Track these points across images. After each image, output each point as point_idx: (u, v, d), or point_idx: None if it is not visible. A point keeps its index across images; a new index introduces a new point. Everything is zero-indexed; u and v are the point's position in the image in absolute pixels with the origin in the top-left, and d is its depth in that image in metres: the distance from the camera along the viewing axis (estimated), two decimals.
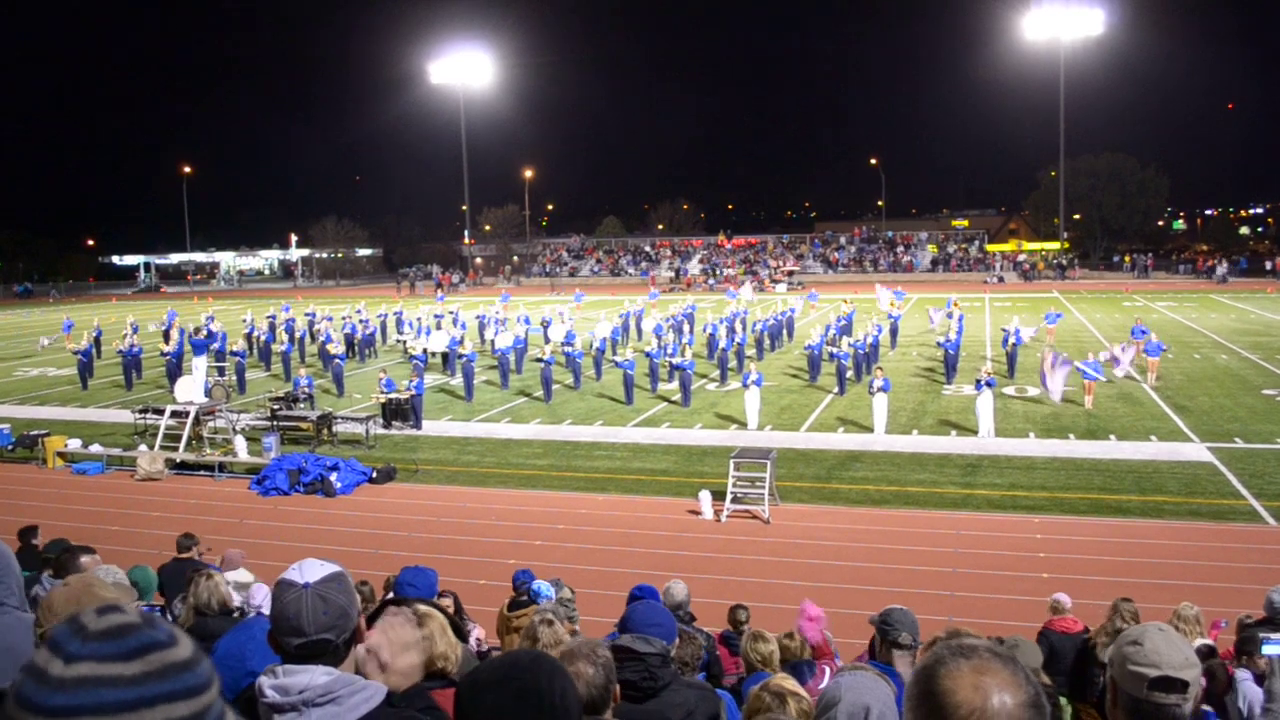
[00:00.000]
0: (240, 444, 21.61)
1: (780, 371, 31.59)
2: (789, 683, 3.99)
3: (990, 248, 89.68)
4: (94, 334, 35.30)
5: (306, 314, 41.80)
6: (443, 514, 17.80)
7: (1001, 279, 77.29)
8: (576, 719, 2.01)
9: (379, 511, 18.04)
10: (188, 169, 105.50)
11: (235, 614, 6.70)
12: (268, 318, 40.67)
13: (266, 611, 5.47)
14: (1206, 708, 5.69)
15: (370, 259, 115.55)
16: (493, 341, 33.32)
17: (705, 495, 17.03)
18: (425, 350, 32.69)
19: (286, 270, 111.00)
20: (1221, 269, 74.61)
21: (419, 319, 40.18)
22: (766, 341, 35.93)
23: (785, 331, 38.97)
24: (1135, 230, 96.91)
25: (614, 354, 33.21)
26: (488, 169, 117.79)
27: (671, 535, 16.11)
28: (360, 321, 38.67)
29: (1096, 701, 7.57)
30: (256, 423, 23.80)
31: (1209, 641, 8.02)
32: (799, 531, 16.10)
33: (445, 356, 33.24)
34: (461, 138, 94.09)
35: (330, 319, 39.71)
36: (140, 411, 24.50)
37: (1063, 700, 6.69)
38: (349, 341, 36.93)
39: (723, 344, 30.98)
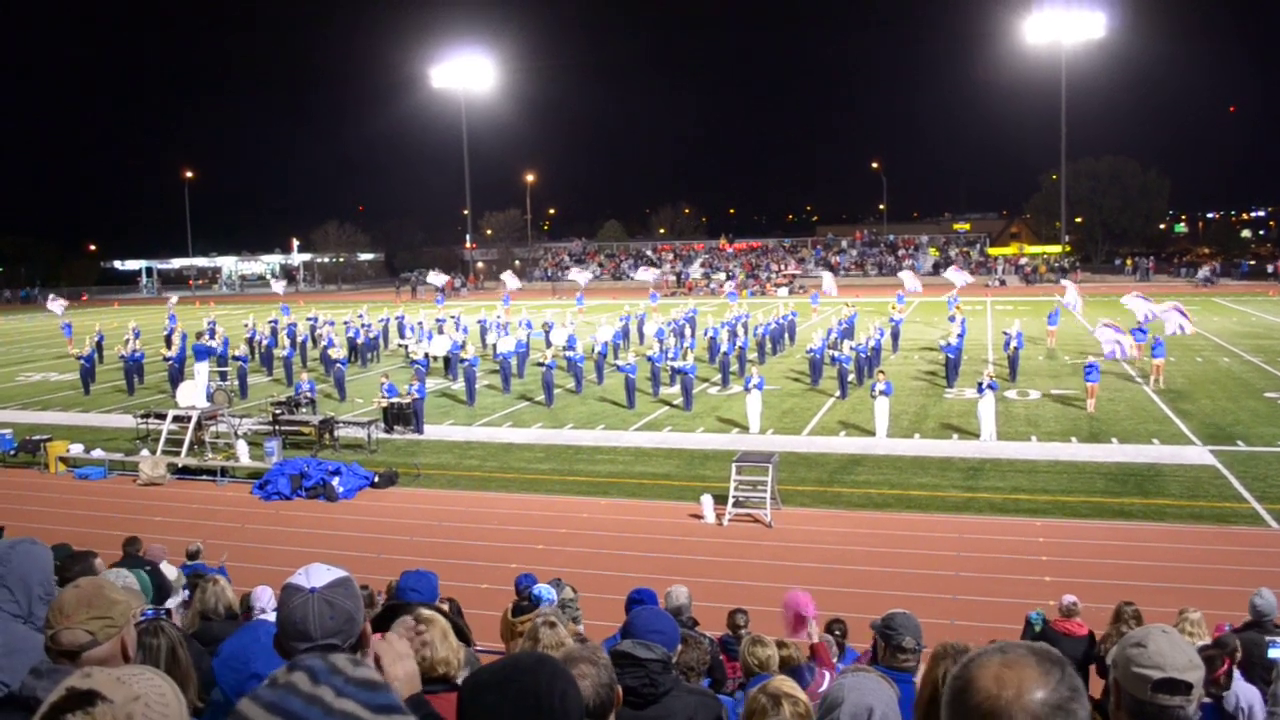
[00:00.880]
0: (242, 449, 21.61)
1: (782, 375, 31.58)
2: (787, 684, 3.98)
3: (992, 251, 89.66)
4: (96, 339, 35.33)
5: (308, 318, 41.82)
6: (444, 518, 17.81)
7: (1003, 282, 77.28)
8: None
9: (381, 516, 18.03)
10: (189, 174, 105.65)
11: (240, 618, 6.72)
12: (269, 322, 40.69)
13: (270, 615, 5.47)
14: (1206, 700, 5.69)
15: (372, 263, 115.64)
16: (494, 346, 33.33)
17: (707, 499, 17.02)
18: (427, 354, 32.70)
19: (288, 275, 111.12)
20: (1204, 271, 74.56)
21: (421, 323, 40.21)
22: (768, 345, 35.92)
23: (787, 335, 38.96)
24: (1137, 233, 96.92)
25: (615, 358, 33.20)
26: (489, 173, 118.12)
27: (673, 539, 16.10)
28: (362, 326, 38.69)
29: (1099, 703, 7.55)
30: (258, 427, 23.79)
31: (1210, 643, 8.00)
32: (801, 535, 16.09)
33: (447, 361, 33.24)
34: (463, 142, 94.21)
35: (332, 323, 39.72)
36: (142, 416, 24.52)
37: None
38: (351, 346, 36.94)
39: (724, 348, 30.97)
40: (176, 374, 30.68)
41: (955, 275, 47.06)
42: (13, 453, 22.92)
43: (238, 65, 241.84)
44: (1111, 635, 8.15)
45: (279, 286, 46.41)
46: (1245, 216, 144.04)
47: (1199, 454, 20.32)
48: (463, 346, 30.72)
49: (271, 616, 3.23)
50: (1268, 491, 17.49)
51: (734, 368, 30.54)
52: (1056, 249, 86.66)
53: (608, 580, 13.50)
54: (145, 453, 22.15)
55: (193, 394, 23.51)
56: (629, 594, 8.08)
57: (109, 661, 2.55)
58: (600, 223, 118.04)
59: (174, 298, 42.34)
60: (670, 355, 29.60)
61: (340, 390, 29.86)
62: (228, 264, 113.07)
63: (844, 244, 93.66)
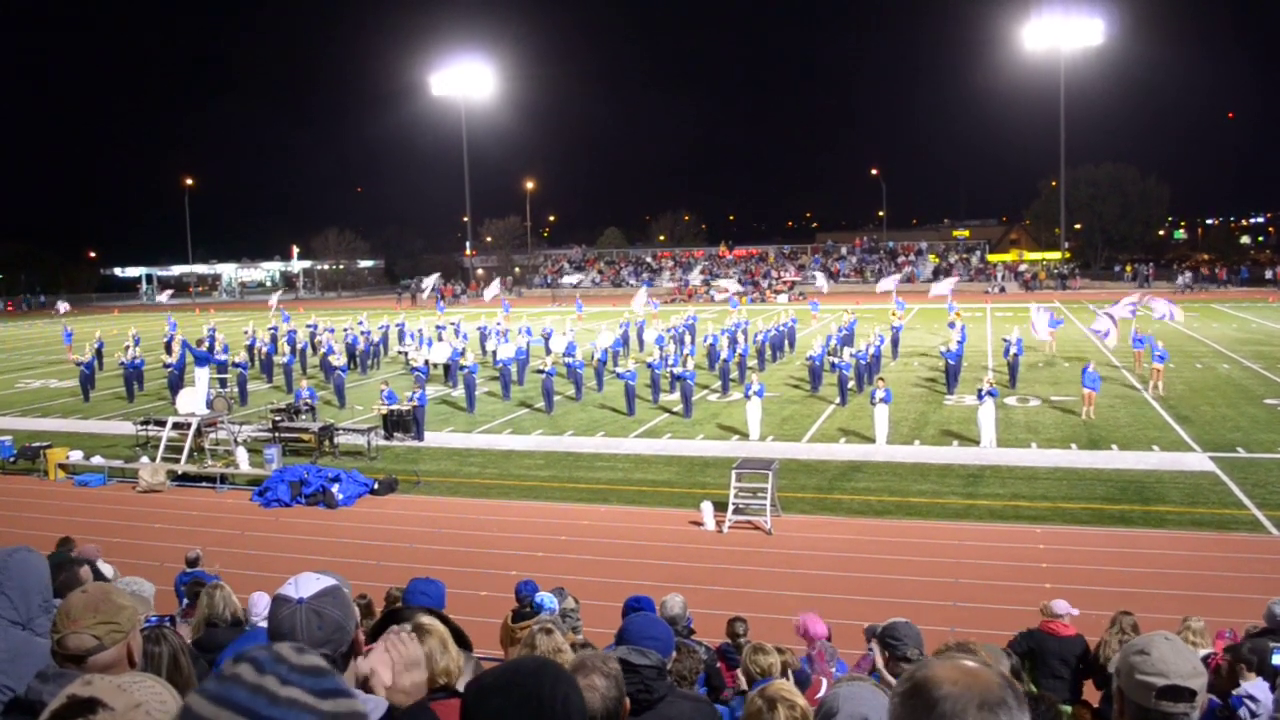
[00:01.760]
0: (242, 455, 21.60)
1: (782, 382, 31.58)
2: (785, 689, 3.97)
3: (991, 257, 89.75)
4: (96, 346, 35.33)
5: (308, 326, 41.83)
6: (444, 525, 17.79)
7: (1003, 289, 77.33)
8: None
9: (381, 523, 18.02)
10: (190, 181, 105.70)
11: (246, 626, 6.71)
12: (269, 329, 40.69)
13: (265, 622, 5.46)
14: (1212, 697, 5.67)
15: (372, 270, 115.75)
16: (494, 353, 33.34)
17: (707, 506, 17.01)
18: (427, 361, 32.71)
19: (288, 282, 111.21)
20: (1183, 278, 74.65)
21: (420, 330, 40.23)
22: (768, 352, 35.93)
23: (787, 342, 38.97)
24: (1136, 240, 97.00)
25: (615, 365, 33.20)
26: (489, 180, 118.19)
27: (673, 546, 16.09)
28: (362, 333, 38.70)
29: (1099, 710, 7.55)
30: (258, 434, 23.79)
31: (1212, 651, 7.99)
32: (801, 542, 16.07)
33: (447, 368, 33.25)
34: (463, 149, 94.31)
35: (332, 330, 39.73)
36: (142, 423, 24.53)
37: (1064, 708, 6.67)
38: (351, 353, 36.94)
39: (724, 355, 30.98)
40: (176, 381, 30.69)
41: (937, 287, 46.86)
42: (12, 460, 22.91)
43: (238, 73, 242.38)
44: (1109, 642, 8.14)
45: (274, 301, 46.23)
46: (1245, 223, 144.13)
47: (1199, 461, 20.31)
48: (463, 353, 30.73)
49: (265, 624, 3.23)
50: (1268, 498, 17.48)
51: (734, 374, 30.54)
52: (1056, 255, 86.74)
53: (607, 587, 13.48)
54: (145, 460, 22.14)
55: (193, 401, 23.49)
56: (626, 601, 8.06)
57: (115, 667, 2.55)
58: (600, 230, 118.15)
59: (164, 296, 42.13)
60: (670, 362, 29.61)
61: (340, 397, 29.86)
62: (228, 271, 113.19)
63: (843, 250, 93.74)
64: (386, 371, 35.94)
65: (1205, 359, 34.60)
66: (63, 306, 44.27)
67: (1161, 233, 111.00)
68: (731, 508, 16.83)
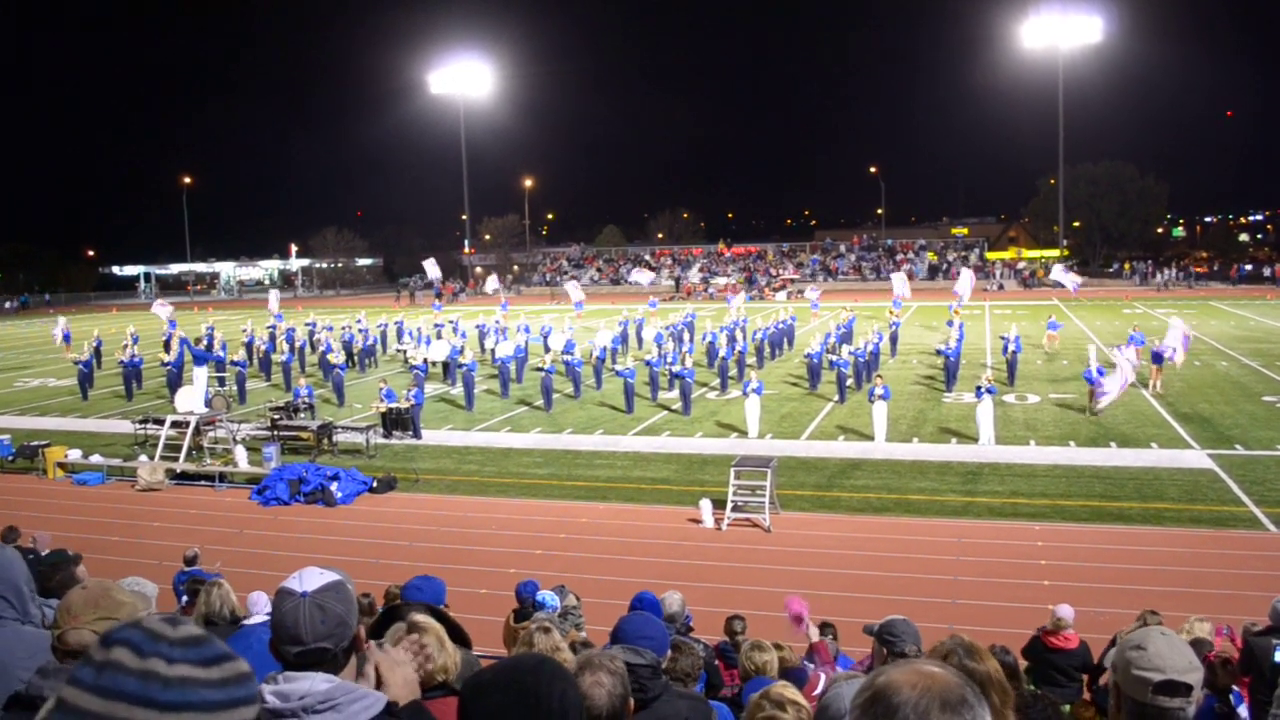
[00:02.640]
0: (241, 454, 21.59)
1: (780, 380, 31.59)
2: (789, 690, 3.98)
3: (990, 255, 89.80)
4: (94, 344, 35.31)
5: (307, 324, 41.81)
6: (443, 523, 17.80)
7: (1001, 286, 77.37)
8: None
9: (379, 521, 18.02)
10: (188, 179, 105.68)
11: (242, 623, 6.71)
12: (268, 328, 40.68)
13: (266, 619, 5.47)
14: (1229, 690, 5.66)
15: (370, 269, 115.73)
16: (493, 351, 33.34)
17: (706, 504, 17.02)
18: (425, 360, 32.72)
19: (287, 280, 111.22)
20: (1162, 276, 74.69)
21: (419, 329, 40.23)
22: (767, 350, 35.94)
23: (785, 340, 38.98)
24: (1135, 238, 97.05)
25: (614, 363, 33.21)
26: (488, 178, 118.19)
27: (672, 544, 16.10)
28: (360, 331, 38.69)
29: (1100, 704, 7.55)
30: (257, 433, 23.78)
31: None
32: (800, 540, 16.09)
33: (445, 366, 33.25)
34: (461, 147, 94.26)
35: (330, 329, 39.73)
36: (141, 422, 24.51)
37: (1066, 709, 6.68)
38: (349, 351, 36.93)
39: (723, 352, 30.99)
40: (175, 379, 30.68)
41: (899, 284, 45.20)
42: (11, 458, 22.90)
43: (236, 71, 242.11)
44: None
45: (273, 303, 46.05)
46: (1243, 221, 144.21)
47: (1197, 458, 20.33)
48: (461, 351, 30.73)
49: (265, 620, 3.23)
50: (1266, 495, 17.50)
51: (733, 372, 30.55)
52: (1055, 253, 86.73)
53: (606, 585, 13.49)
54: (143, 458, 22.13)
55: (191, 399, 23.48)
56: (634, 599, 8.05)
57: None
58: (598, 228, 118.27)
59: (163, 310, 41.78)
60: (669, 360, 29.62)
61: (339, 395, 29.86)
62: (226, 269, 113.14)
63: (842, 248, 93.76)
64: (385, 370, 35.95)
65: (1204, 356, 34.62)
66: (61, 321, 44.05)
67: (1160, 230, 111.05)
68: (730, 505, 16.84)
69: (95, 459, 22.40)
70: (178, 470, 21.37)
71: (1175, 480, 18.77)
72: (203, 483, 21.07)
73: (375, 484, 19.80)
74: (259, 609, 7.12)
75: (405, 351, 37.76)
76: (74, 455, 22.49)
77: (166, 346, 34.83)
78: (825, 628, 8.88)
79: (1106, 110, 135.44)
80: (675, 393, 27.42)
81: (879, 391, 22.71)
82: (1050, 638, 8.60)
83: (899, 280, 44.97)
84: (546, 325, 38.90)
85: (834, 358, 28.85)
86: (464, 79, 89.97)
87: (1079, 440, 22.20)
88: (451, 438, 24.86)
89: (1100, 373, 25.07)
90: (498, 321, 40.86)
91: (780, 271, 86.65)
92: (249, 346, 37.08)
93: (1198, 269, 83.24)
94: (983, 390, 22.15)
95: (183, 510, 19.20)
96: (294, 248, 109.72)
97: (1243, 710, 6.17)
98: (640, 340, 38.66)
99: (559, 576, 11.83)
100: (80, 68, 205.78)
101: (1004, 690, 2.53)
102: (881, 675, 1.62)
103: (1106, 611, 9.05)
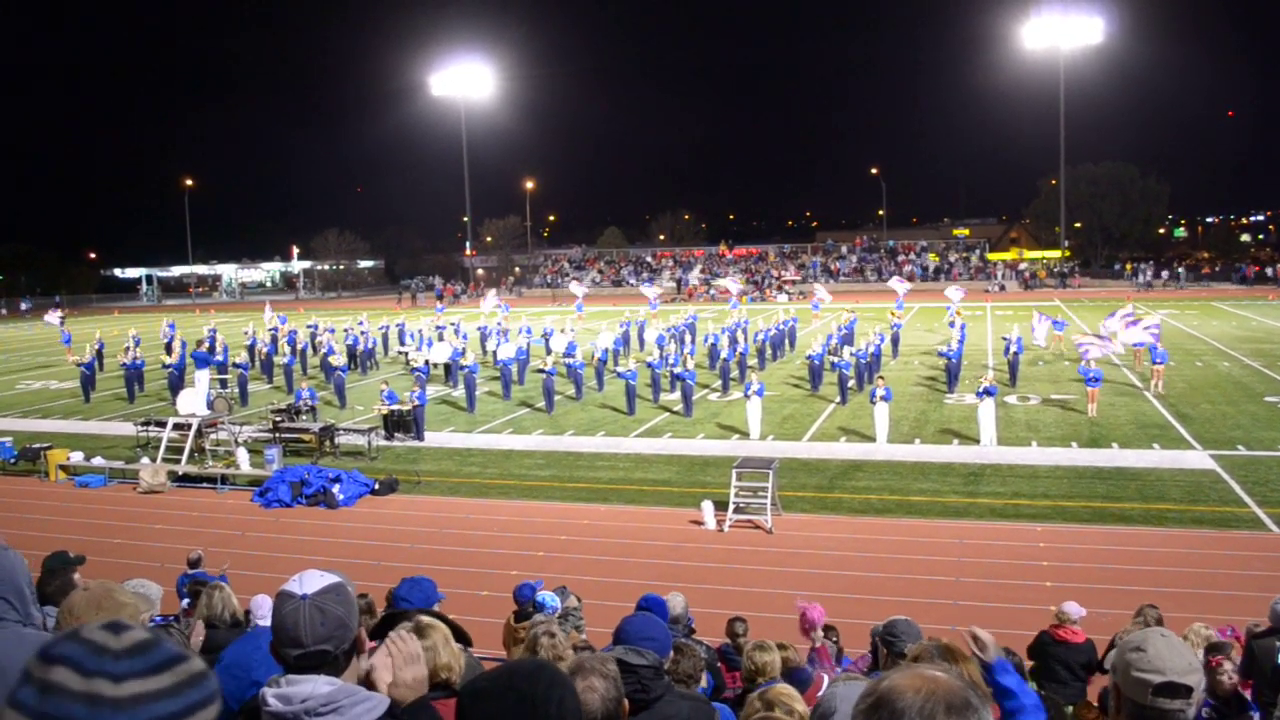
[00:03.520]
0: (242, 456, 21.61)
1: (782, 381, 31.58)
2: (785, 692, 3.98)
3: (991, 256, 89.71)
4: (96, 347, 35.33)
5: (308, 326, 41.83)
6: (445, 525, 17.80)
7: (1003, 287, 77.31)
8: None
9: (381, 523, 18.03)
10: (190, 181, 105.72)
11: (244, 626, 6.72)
12: (270, 330, 40.69)
13: (267, 622, 5.47)
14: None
15: (372, 270, 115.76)
16: (494, 353, 33.35)
17: (708, 505, 17.02)
18: (427, 361, 32.72)
19: (288, 282, 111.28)
20: (1144, 276, 74.55)
21: (420, 331, 40.23)
22: (768, 351, 35.92)
23: (787, 341, 38.97)
24: (1136, 238, 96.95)
25: (616, 364, 33.21)
26: (489, 180, 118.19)
27: (674, 545, 16.10)
28: (362, 333, 38.70)
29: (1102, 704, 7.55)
30: (259, 435, 23.80)
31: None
32: (801, 541, 16.08)
33: (447, 368, 33.25)
34: (463, 149, 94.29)
35: (332, 331, 39.75)
36: (143, 424, 24.53)
37: (1068, 710, 6.67)
38: (351, 353, 36.94)
39: (724, 354, 30.97)
40: (177, 381, 30.69)
41: (951, 291, 45.60)
42: (13, 461, 22.92)
43: (237, 73, 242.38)
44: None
45: (268, 317, 45.78)
46: (1245, 221, 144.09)
47: (1199, 459, 20.32)
48: (463, 353, 30.74)
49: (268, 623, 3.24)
50: (1268, 496, 17.49)
51: (734, 374, 30.54)
52: (1056, 254, 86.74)
53: (608, 587, 13.49)
54: (146, 460, 22.15)
55: (193, 401, 23.50)
56: (639, 601, 8.04)
57: None
58: (600, 229, 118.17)
59: (52, 314, 40.83)
60: (670, 361, 29.61)
61: (340, 397, 29.87)
62: (228, 271, 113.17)
63: (843, 250, 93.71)
64: (387, 372, 35.94)
65: (1205, 357, 34.59)
66: (55, 318, 44.00)
67: (1161, 231, 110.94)
68: (732, 507, 16.84)
69: (97, 461, 22.42)
70: (180, 472, 21.39)
71: (1177, 481, 18.76)
72: (205, 485, 21.08)
73: (377, 486, 19.81)
74: (263, 612, 7.13)
75: (407, 353, 37.79)
76: (76, 458, 22.51)
77: (168, 349, 34.86)
78: (827, 630, 8.87)
79: (1108, 111, 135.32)
80: (677, 394, 27.42)
81: (880, 393, 22.70)
82: (1056, 630, 8.61)
83: (897, 284, 44.95)
84: (548, 327, 38.88)
85: (835, 359, 28.84)
86: (465, 80, 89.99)
87: (1081, 441, 22.19)
88: (453, 439, 24.86)
89: (1099, 374, 25.13)
90: (499, 323, 40.89)
91: (781, 273, 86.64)
92: (251, 349, 37.11)
93: (1188, 264, 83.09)
94: (984, 391, 22.14)
95: (185, 512, 19.20)
96: (295, 249, 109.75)
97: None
98: (642, 342, 38.66)
99: (560, 578, 11.82)
100: (82, 70, 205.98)
101: (982, 690, 2.53)
102: (884, 681, 1.62)
103: (1110, 613, 9.05)
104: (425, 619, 3.23)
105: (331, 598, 2.29)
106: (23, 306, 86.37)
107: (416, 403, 24.58)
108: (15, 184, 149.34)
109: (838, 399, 27.52)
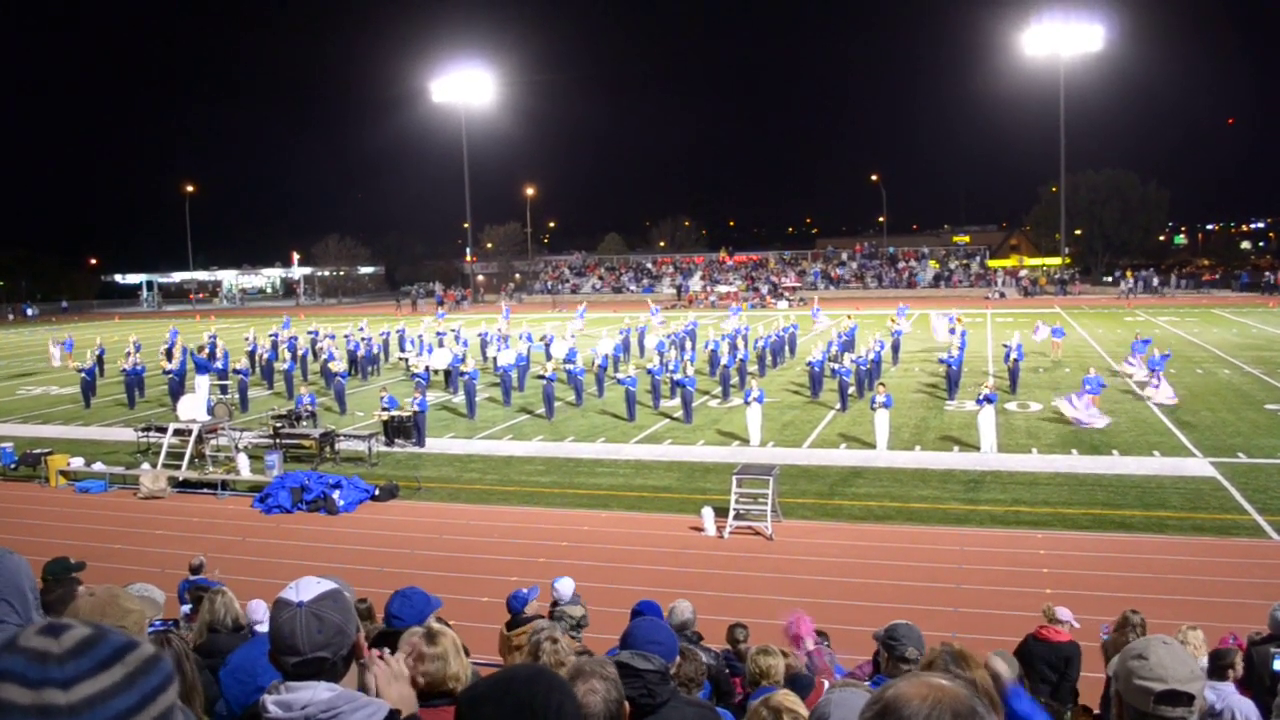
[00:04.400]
0: (243, 462, 21.60)
1: (782, 388, 31.58)
2: (789, 699, 3.97)
3: (992, 263, 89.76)
4: (97, 352, 35.35)
5: (309, 332, 41.84)
6: (445, 531, 17.78)
7: (1003, 294, 77.33)
8: None
9: (382, 529, 18.01)
10: (190, 187, 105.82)
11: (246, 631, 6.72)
12: (270, 335, 40.71)
13: (264, 628, 5.47)
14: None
15: (372, 277, 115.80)
16: (495, 359, 33.36)
17: (708, 512, 17.00)
18: (428, 368, 32.72)
19: (289, 288, 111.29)
20: (1127, 284, 74.49)
21: (421, 336, 40.25)
22: (768, 358, 35.93)
23: (787, 348, 38.97)
24: (1137, 245, 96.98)
25: (616, 371, 33.22)
26: (490, 186, 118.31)
27: (674, 552, 16.08)
28: (363, 339, 38.71)
29: (1098, 715, 7.55)
30: (259, 441, 23.78)
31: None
32: (802, 548, 16.07)
33: (448, 374, 33.26)
34: (463, 155, 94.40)
35: (332, 337, 39.77)
36: (143, 430, 24.51)
37: (1066, 716, 6.67)
38: (351, 359, 36.94)
39: (725, 360, 30.98)
40: (177, 387, 30.68)
41: (937, 322, 41.84)
42: (13, 466, 22.90)
43: (239, 79, 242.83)
44: (1118, 641, 8.14)
45: (251, 336, 45.40)
46: (1245, 228, 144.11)
47: (1200, 466, 20.31)
48: (463, 359, 30.76)
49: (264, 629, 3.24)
50: (1269, 503, 17.47)
51: (734, 380, 30.54)
52: (1056, 261, 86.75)
53: (608, 593, 13.48)
54: (146, 466, 22.14)
55: (193, 407, 23.51)
56: (635, 606, 8.06)
57: None
58: (600, 236, 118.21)
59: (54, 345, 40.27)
60: (670, 368, 29.60)
61: (341, 403, 29.86)
62: (228, 277, 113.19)
63: (844, 256, 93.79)
64: (387, 378, 35.94)
65: (1206, 364, 34.59)
66: (61, 344, 43.86)
67: (1162, 238, 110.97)
68: (732, 513, 16.83)
69: (97, 467, 22.40)
70: (180, 478, 21.37)
71: (1178, 488, 18.75)
72: (205, 491, 21.07)
73: (377, 492, 19.79)
74: (258, 617, 7.13)
75: (407, 359, 37.81)
76: (76, 463, 22.50)
77: (169, 355, 34.88)
78: (820, 636, 8.87)
79: (1108, 118, 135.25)
80: (677, 401, 27.41)
81: (881, 399, 22.70)
82: (1041, 629, 8.68)
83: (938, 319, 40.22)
84: (548, 333, 38.90)
85: (836, 366, 28.84)
86: (466, 87, 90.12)
87: (1081, 448, 22.17)
88: (453, 446, 24.85)
89: (1100, 381, 25.09)
90: (500, 330, 40.90)
91: (782, 279, 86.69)
92: (251, 355, 37.11)
93: (1187, 272, 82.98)
94: (984, 398, 22.13)
95: (185, 518, 19.18)
96: (296, 255, 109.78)
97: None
98: (642, 348, 38.68)
99: None
100: (83, 76, 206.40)
101: (992, 699, 2.53)
102: (890, 688, 1.62)
103: (1110, 620, 9.03)
104: (436, 626, 3.24)
105: (328, 604, 2.29)
106: (28, 312, 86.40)
107: (417, 409, 24.58)
108: (18, 189, 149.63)
109: (838, 406, 27.51)
